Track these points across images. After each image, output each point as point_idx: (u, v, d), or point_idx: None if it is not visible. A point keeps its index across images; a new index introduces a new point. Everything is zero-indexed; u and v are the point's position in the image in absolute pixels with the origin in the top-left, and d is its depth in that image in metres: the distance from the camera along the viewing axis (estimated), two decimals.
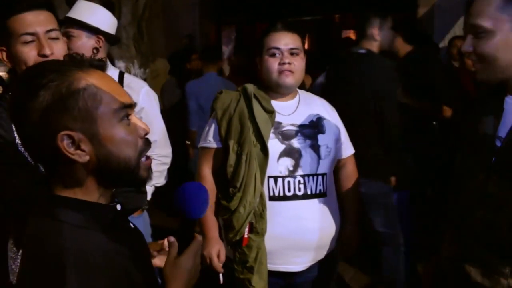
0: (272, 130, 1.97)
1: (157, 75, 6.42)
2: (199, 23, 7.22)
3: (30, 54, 1.51)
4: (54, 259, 0.89)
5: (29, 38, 1.51)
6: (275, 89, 2.02)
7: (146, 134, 1.04)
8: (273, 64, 1.96)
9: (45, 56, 1.51)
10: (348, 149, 2.22)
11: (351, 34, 9.69)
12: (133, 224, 1.14)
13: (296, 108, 2.06)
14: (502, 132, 1.44)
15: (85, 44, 2.36)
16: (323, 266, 2.11)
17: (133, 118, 1.02)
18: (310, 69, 5.08)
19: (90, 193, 0.99)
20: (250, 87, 2.02)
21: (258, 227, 1.94)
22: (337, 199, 2.16)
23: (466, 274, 1.50)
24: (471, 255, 1.50)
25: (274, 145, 1.95)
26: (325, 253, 2.08)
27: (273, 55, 1.96)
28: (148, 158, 1.05)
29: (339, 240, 2.15)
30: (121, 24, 3.81)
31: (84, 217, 0.95)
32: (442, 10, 5.81)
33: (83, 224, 0.94)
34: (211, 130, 2.06)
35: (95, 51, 2.37)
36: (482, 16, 1.35)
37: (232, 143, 1.97)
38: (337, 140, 2.10)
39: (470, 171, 1.51)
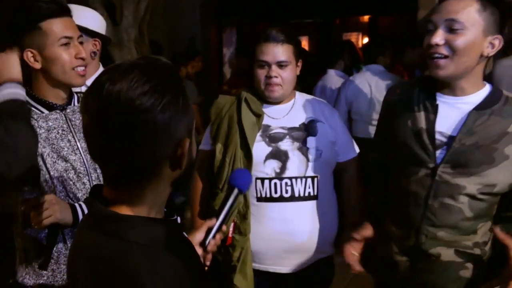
0: (259, 133, 2.00)
1: None
2: (200, 24, 7.24)
3: (67, 56, 1.61)
4: (132, 280, 0.88)
5: (66, 41, 1.61)
6: (264, 98, 2.06)
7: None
8: (261, 76, 2.00)
9: (82, 58, 1.65)
10: (348, 153, 2.20)
11: (352, 37, 9.74)
12: (185, 234, 1.16)
13: (289, 111, 2.08)
14: (444, 127, 1.61)
15: (85, 48, 2.37)
16: (316, 271, 2.11)
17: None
18: (311, 72, 5.11)
19: (152, 207, 0.99)
20: (243, 92, 2.07)
21: (241, 228, 1.99)
22: (335, 201, 2.16)
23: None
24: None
25: (261, 148, 1.98)
26: (317, 257, 2.08)
27: (261, 66, 1.99)
28: None
29: (336, 245, 2.15)
30: (122, 27, 3.83)
31: (150, 235, 0.94)
32: None
33: (151, 243, 0.93)
34: (206, 133, 2.15)
35: (93, 55, 2.40)
36: (463, 13, 1.48)
37: (219, 146, 2.04)
38: (333, 143, 2.09)
39: (408, 164, 1.67)
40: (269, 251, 2.01)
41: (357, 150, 2.24)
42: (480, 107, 1.57)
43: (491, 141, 1.54)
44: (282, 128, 2.02)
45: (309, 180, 2.00)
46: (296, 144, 2.00)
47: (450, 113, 1.60)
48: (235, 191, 1.39)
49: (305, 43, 10.71)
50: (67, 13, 1.65)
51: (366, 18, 9.18)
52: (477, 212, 1.61)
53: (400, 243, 1.75)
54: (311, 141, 2.02)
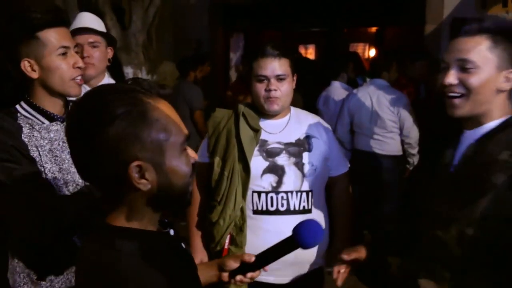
0: (257, 148, 2.04)
1: (164, 79, 6.49)
2: (208, 29, 7.28)
3: (66, 65, 1.61)
4: None
5: (64, 51, 1.61)
6: (262, 112, 2.10)
7: (194, 161, 1.07)
8: (260, 90, 2.02)
9: (80, 68, 1.64)
10: (340, 168, 2.25)
11: (359, 48, 9.77)
12: (184, 245, 1.19)
13: (285, 126, 2.12)
14: (457, 160, 1.58)
15: (106, 54, 2.42)
16: (307, 282, 2.15)
17: (187, 148, 1.06)
18: (317, 81, 5.14)
19: (144, 220, 1.02)
20: (241, 106, 2.11)
21: (237, 240, 2.03)
22: (328, 216, 2.20)
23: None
24: (425, 269, 1.63)
25: (258, 162, 2.02)
26: (309, 268, 2.12)
27: (260, 81, 2.02)
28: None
29: (327, 257, 2.19)
30: (130, 31, 3.87)
31: (141, 247, 0.97)
32: (450, 28, 5.84)
33: (141, 254, 0.96)
34: (203, 145, 2.18)
35: (109, 61, 2.44)
36: (474, 52, 1.47)
37: (217, 159, 2.07)
38: (326, 159, 2.14)
39: (429, 197, 1.64)
40: None
41: (348, 165, 2.30)
42: (484, 136, 1.52)
43: (481, 171, 1.49)
44: (279, 143, 2.07)
45: (304, 194, 2.05)
46: (292, 159, 2.05)
47: (466, 146, 1.57)
48: (295, 246, 1.29)
49: (311, 52, 10.76)
50: (64, 23, 1.65)
51: (373, 29, 9.23)
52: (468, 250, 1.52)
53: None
54: (306, 157, 2.07)
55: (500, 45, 1.46)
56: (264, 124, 2.09)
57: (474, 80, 1.47)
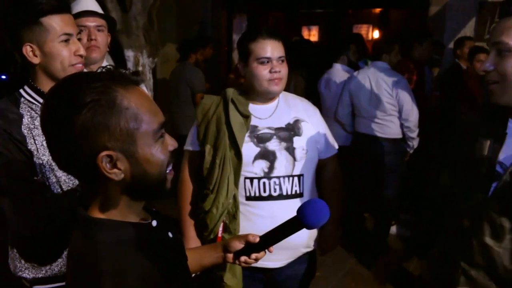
0: (247, 134, 2.04)
1: (167, 60, 6.47)
2: (211, 11, 7.23)
3: (67, 52, 1.61)
4: (95, 277, 0.93)
5: (66, 37, 1.61)
6: (262, 95, 2.08)
7: (174, 149, 1.06)
8: (263, 71, 2.00)
9: (81, 56, 1.64)
10: (329, 150, 2.25)
11: (363, 29, 9.69)
12: (172, 233, 1.17)
13: (274, 111, 2.11)
14: (505, 158, 1.42)
15: (106, 38, 2.42)
16: (302, 264, 2.18)
17: (165, 135, 1.05)
18: (319, 63, 5.13)
19: (123, 210, 1.02)
20: (230, 92, 2.09)
21: (231, 227, 2.05)
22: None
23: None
24: (465, 276, 1.53)
25: (249, 148, 2.02)
26: (303, 251, 2.15)
27: (263, 63, 2.01)
28: (170, 170, 1.07)
29: (319, 238, 2.22)
30: (131, 14, 3.85)
31: (117, 237, 0.98)
32: (454, 11, 5.79)
33: (120, 245, 0.97)
34: (192, 134, 2.16)
35: (108, 47, 2.44)
36: (508, 34, 1.33)
37: (208, 147, 2.06)
38: (316, 142, 2.15)
39: (466, 191, 1.52)
40: None
41: (337, 146, 2.30)
42: None
43: None
44: (269, 128, 2.07)
45: (295, 178, 2.06)
46: (283, 144, 2.05)
47: None
48: (300, 226, 1.27)
49: (315, 33, 10.68)
50: (67, 9, 1.65)
51: (377, 10, 9.14)
52: None
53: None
54: (297, 141, 2.08)
55: None
56: (253, 109, 2.08)
57: (507, 64, 1.33)
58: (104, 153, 0.93)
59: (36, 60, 1.60)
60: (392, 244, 4.23)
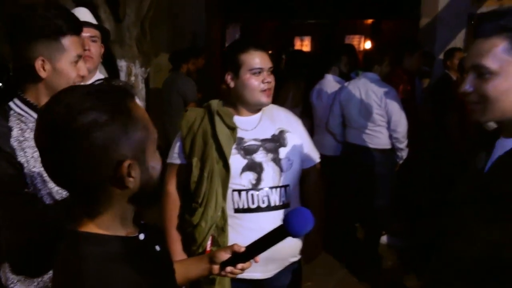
0: (234, 146, 2.05)
1: (159, 70, 6.49)
2: (205, 20, 7.26)
3: (75, 73, 1.65)
4: None
5: (77, 59, 1.65)
6: (252, 106, 2.10)
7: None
8: (256, 82, 2.03)
9: (82, 76, 1.68)
10: (312, 159, 2.28)
11: (355, 40, 9.76)
12: (160, 246, 1.18)
13: (259, 122, 2.13)
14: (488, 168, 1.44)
15: (100, 48, 2.44)
16: (289, 274, 2.20)
17: None
18: (311, 74, 5.16)
19: (114, 223, 1.03)
20: (214, 104, 2.10)
21: (219, 241, 2.04)
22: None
23: None
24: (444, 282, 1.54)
25: (237, 160, 2.03)
26: (290, 261, 2.17)
27: (256, 74, 2.03)
28: None
29: (302, 247, 2.22)
30: (124, 24, 3.87)
31: (104, 251, 0.99)
32: (445, 22, 5.87)
33: (107, 260, 0.98)
34: (176, 147, 2.15)
35: (101, 57, 2.46)
36: (488, 57, 1.32)
37: (195, 160, 2.06)
38: (300, 152, 2.18)
39: (458, 202, 1.54)
40: None
41: (318, 155, 2.33)
42: None
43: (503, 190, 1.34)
44: (255, 140, 2.08)
45: (282, 189, 2.08)
46: (270, 155, 2.07)
47: (498, 155, 1.44)
48: (286, 235, 1.28)
49: (307, 44, 10.74)
50: (81, 31, 1.69)
51: (369, 21, 9.22)
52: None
53: None
54: (283, 152, 2.09)
55: None
56: (238, 121, 2.09)
57: (489, 88, 1.33)
58: (128, 162, 0.95)
59: (43, 74, 1.61)
60: (383, 254, 4.25)
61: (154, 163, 1.04)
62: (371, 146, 3.94)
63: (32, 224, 1.56)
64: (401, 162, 4.01)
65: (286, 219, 1.28)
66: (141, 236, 1.11)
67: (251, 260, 1.40)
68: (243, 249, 1.38)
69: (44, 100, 1.64)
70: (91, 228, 1.02)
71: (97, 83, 1.02)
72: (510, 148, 1.37)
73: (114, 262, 0.98)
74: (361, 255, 4.16)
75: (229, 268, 1.40)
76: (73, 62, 1.64)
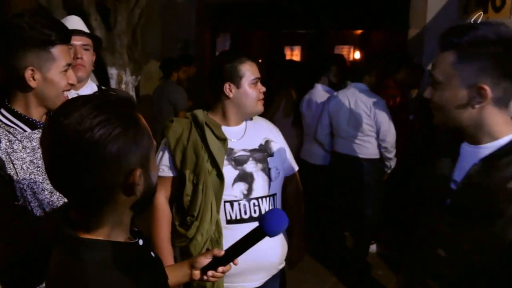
0: (225, 157, 2.07)
1: (150, 78, 6.48)
2: (195, 29, 7.29)
3: (65, 81, 1.65)
4: None
5: (67, 68, 1.65)
6: (247, 115, 2.16)
7: None
8: (255, 92, 2.10)
9: (72, 84, 1.68)
10: (292, 167, 2.34)
11: (344, 50, 9.84)
12: (153, 253, 1.20)
13: (245, 132, 2.17)
14: (457, 176, 1.51)
15: (92, 57, 2.45)
16: (276, 281, 2.22)
17: None
18: (302, 82, 5.20)
19: (116, 229, 1.05)
20: (200, 115, 2.11)
21: None
22: None
23: None
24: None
25: (228, 172, 2.05)
26: (277, 268, 2.19)
27: (255, 84, 2.10)
28: None
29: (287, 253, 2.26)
30: (115, 32, 3.88)
31: (105, 257, 1.00)
32: (433, 33, 5.93)
33: (105, 264, 0.99)
34: (165, 158, 2.12)
35: (93, 66, 2.47)
36: (438, 69, 1.45)
37: (188, 173, 2.05)
38: (284, 161, 2.24)
39: (426, 209, 1.62)
40: (239, 270, 2.07)
41: (296, 164, 2.39)
42: (489, 158, 1.43)
43: (488, 198, 1.40)
44: (244, 150, 2.11)
45: (271, 198, 2.12)
46: (260, 165, 2.10)
47: (467, 163, 1.48)
48: (262, 235, 1.33)
49: (297, 53, 10.80)
50: (70, 40, 1.70)
51: (358, 32, 9.31)
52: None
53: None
54: (271, 161, 2.14)
55: (466, 59, 1.38)
56: (226, 131, 2.11)
57: (437, 97, 1.47)
58: (138, 170, 0.98)
59: (33, 84, 1.59)
60: (372, 263, 4.26)
61: (155, 171, 1.08)
62: (359, 155, 3.97)
63: (23, 236, 1.53)
64: (389, 171, 4.05)
65: (261, 220, 1.34)
66: (140, 242, 1.12)
67: (232, 263, 1.44)
68: (222, 253, 1.41)
69: (34, 110, 1.64)
70: (92, 234, 1.02)
71: (97, 93, 1.04)
72: (483, 158, 1.44)
73: (116, 268, 0.99)
74: (351, 264, 4.17)
75: (210, 272, 1.43)
76: (62, 71, 1.63)
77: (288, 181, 2.31)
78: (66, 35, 1.65)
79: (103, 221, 1.03)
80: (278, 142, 2.23)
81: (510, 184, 1.36)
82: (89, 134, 0.92)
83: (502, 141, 1.43)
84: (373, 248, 4.49)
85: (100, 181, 0.96)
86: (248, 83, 2.08)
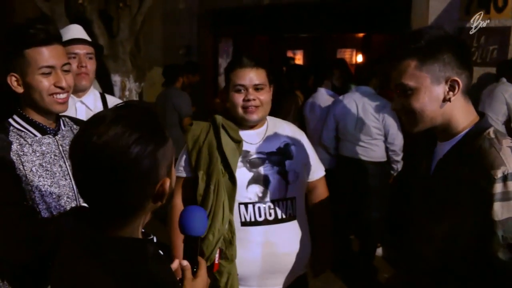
0: (240, 159, 2.06)
1: (153, 84, 6.50)
2: (197, 35, 7.30)
3: (47, 84, 1.62)
4: None
5: (48, 70, 1.62)
6: (241, 122, 2.11)
7: None
8: (238, 99, 2.05)
9: (61, 88, 1.64)
10: (318, 172, 2.29)
11: (346, 53, 9.83)
12: (161, 251, 1.23)
13: (264, 136, 2.15)
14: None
15: (95, 65, 2.46)
16: (294, 287, 2.18)
17: None
18: (304, 85, 5.20)
19: (137, 229, 1.11)
20: (219, 118, 2.12)
21: (228, 253, 2.03)
22: (307, 220, 2.23)
23: None
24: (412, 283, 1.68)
25: (243, 173, 2.04)
26: (296, 275, 2.16)
27: (238, 91, 2.05)
28: None
29: (311, 260, 2.23)
30: (118, 39, 3.89)
31: (130, 253, 1.05)
32: None
33: (130, 260, 1.04)
34: (182, 160, 2.16)
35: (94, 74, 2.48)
36: (406, 76, 1.49)
37: (201, 173, 2.07)
38: (306, 165, 2.20)
39: (412, 208, 1.70)
40: (254, 273, 2.07)
41: (324, 168, 2.34)
42: (449, 153, 1.53)
43: (446, 188, 1.51)
44: (261, 153, 2.10)
45: (289, 202, 2.09)
46: (276, 168, 2.08)
47: (437, 160, 1.58)
48: (188, 237, 1.30)
49: (299, 57, 10.81)
50: (56, 40, 1.65)
51: (360, 35, 9.30)
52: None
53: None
54: (288, 164, 2.11)
55: (429, 59, 1.46)
56: (243, 134, 2.10)
57: (413, 102, 1.50)
58: (168, 180, 1.06)
59: (20, 90, 1.62)
60: (378, 266, 4.25)
61: (174, 175, 1.16)
62: (365, 159, 3.96)
63: (30, 236, 1.54)
64: (395, 174, 4.04)
65: (180, 226, 1.30)
66: (154, 238, 1.18)
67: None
68: (185, 263, 1.32)
69: (35, 114, 1.67)
70: (118, 233, 1.06)
71: (122, 107, 1.07)
72: (446, 151, 1.54)
73: (139, 262, 1.05)
74: (357, 268, 4.16)
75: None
76: (41, 74, 1.60)
77: (313, 186, 2.29)
78: (44, 36, 1.60)
79: (127, 224, 1.07)
80: (301, 146, 2.20)
81: (461, 173, 1.45)
82: (126, 152, 0.98)
83: (461, 135, 1.53)
84: (379, 251, 4.48)
85: (134, 194, 1.02)
86: (232, 90, 2.06)
